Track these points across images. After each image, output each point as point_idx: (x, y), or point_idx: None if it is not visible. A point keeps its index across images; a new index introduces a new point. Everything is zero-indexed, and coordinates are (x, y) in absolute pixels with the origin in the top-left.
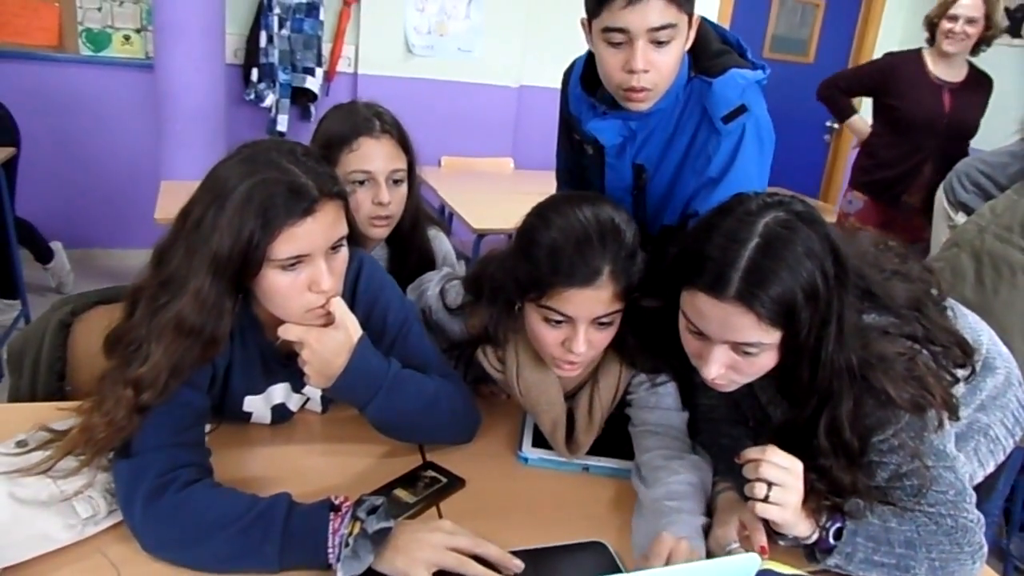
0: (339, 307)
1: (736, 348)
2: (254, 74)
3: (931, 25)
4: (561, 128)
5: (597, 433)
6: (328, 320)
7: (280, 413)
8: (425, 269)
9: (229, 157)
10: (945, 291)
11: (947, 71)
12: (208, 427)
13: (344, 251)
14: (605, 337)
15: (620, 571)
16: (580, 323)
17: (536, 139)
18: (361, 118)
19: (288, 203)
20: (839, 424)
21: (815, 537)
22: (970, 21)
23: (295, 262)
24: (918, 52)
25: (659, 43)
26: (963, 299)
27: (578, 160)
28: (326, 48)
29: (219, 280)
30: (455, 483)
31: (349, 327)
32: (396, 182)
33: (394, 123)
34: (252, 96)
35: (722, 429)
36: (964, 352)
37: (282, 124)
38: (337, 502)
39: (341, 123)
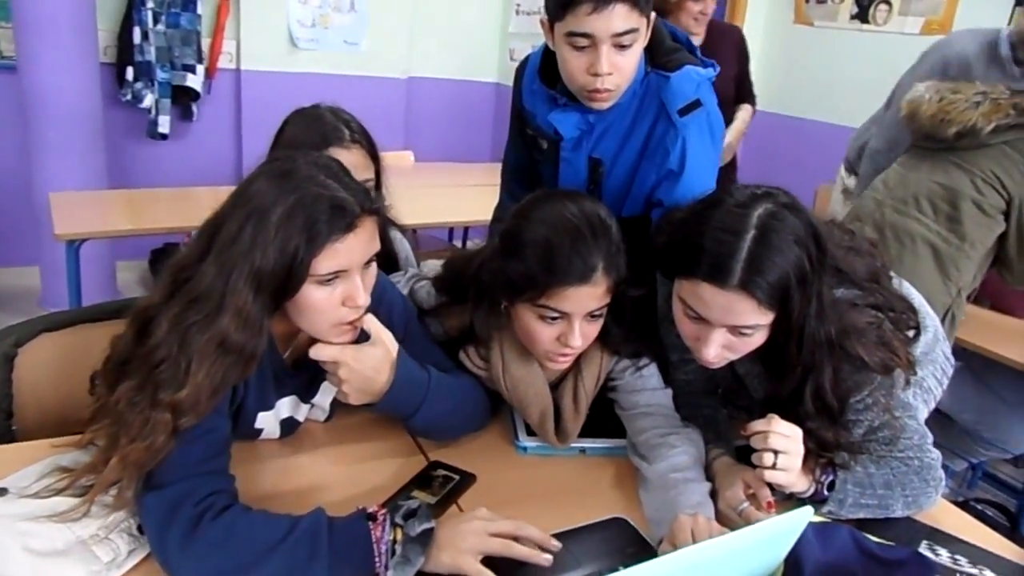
0: (374, 323)
1: (733, 330)
2: (129, 73)
3: (667, 11)
4: (512, 123)
5: (583, 420)
6: (355, 335)
7: (288, 426)
8: (389, 271)
9: (260, 173)
10: None
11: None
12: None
13: (374, 266)
14: (596, 328)
15: (645, 542)
16: (575, 318)
17: (429, 130)
18: (329, 127)
19: (331, 219)
20: (823, 390)
21: (812, 491)
22: None
23: (332, 277)
24: None
25: (622, 46)
26: None
27: (530, 155)
28: (206, 43)
29: (260, 296)
30: (467, 479)
31: (387, 342)
32: None
33: (362, 131)
34: (129, 97)
35: (701, 401)
36: (914, 315)
37: (164, 126)
38: (371, 511)
39: (308, 132)
